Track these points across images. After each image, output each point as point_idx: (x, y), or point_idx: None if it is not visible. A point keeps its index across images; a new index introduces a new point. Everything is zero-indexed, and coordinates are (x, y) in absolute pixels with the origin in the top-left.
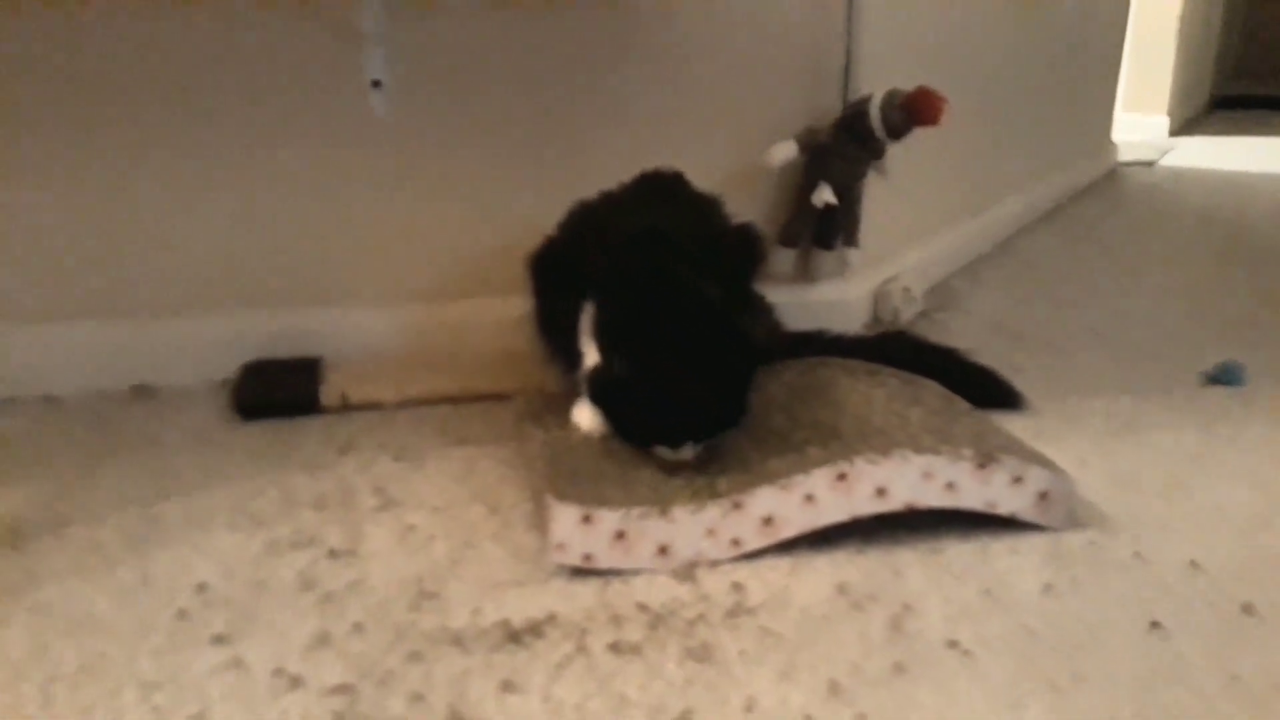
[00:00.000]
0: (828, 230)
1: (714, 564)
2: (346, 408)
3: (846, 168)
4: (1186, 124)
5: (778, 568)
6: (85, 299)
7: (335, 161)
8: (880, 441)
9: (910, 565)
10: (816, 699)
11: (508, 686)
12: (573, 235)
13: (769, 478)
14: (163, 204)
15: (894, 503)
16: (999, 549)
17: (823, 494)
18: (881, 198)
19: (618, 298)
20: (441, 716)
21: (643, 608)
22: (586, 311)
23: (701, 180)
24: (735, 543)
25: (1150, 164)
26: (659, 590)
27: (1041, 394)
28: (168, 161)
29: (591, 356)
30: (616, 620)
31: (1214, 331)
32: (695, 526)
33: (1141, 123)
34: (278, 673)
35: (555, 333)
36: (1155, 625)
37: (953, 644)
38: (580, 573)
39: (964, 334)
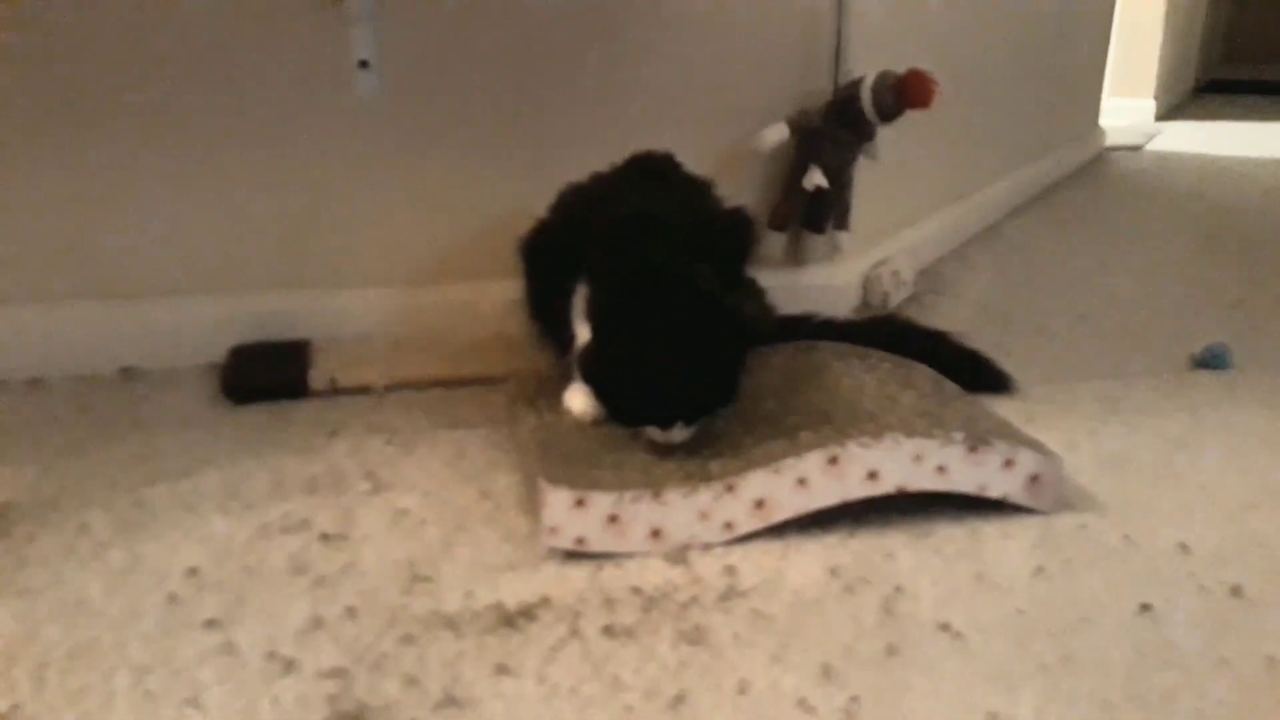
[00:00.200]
0: (818, 213)
1: (706, 547)
2: (336, 391)
3: (837, 151)
4: (1173, 109)
5: (770, 551)
6: (72, 281)
7: (324, 144)
8: (872, 425)
9: (902, 548)
10: (809, 681)
11: (502, 669)
12: (564, 218)
13: (761, 461)
14: (149, 186)
15: (885, 486)
16: (990, 532)
17: (815, 477)
18: (872, 181)
19: (610, 278)
20: (435, 699)
21: (636, 591)
22: (579, 293)
23: (692, 162)
24: (728, 526)
25: (1137, 148)
26: (652, 573)
27: (1031, 377)
28: (155, 143)
29: (583, 337)
30: (610, 603)
31: (1201, 315)
32: (688, 510)
33: (1128, 107)
34: (271, 656)
35: (547, 316)
36: (1145, 608)
37: (944, 626)
38: (573, 556)
39: (953, 317)
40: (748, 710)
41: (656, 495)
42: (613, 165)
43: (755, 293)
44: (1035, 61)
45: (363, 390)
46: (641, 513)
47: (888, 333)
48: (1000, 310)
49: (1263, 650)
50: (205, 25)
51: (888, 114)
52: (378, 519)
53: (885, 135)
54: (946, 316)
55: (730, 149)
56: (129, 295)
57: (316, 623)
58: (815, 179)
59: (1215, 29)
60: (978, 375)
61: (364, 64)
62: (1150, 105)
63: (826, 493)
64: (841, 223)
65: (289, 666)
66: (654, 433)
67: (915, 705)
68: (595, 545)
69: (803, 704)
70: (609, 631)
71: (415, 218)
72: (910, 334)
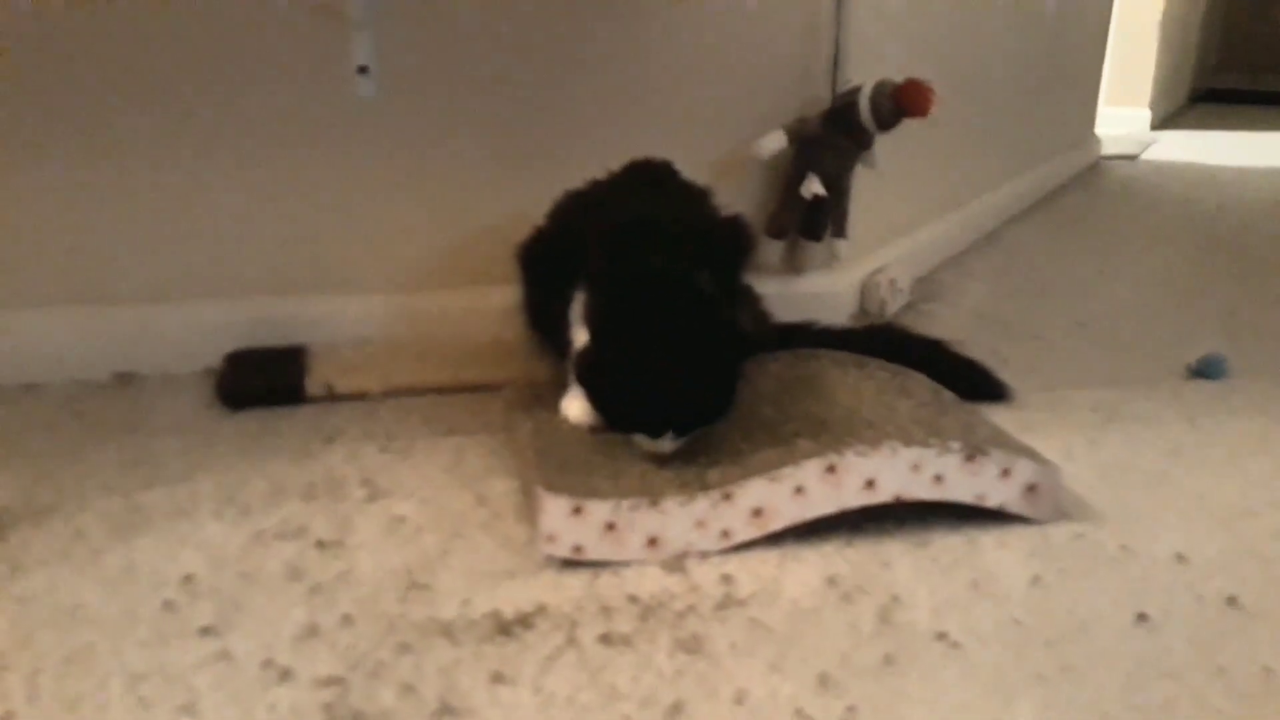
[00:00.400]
0: (816, 221)
1: (704, 555)
2: (332, 397)
3: (835, 159)
4: (1168, 118)
5: (767, 560)
6: (67, 285)
7: (322, 149)
8: (869, 434)
9: (899, 557)
10: (806, 690)
11: (498, 678)
12: (562, 225)
13: (759, 469)
14: (145, 190)
15: (883, 495)
16: (987, 541)
17: (812, 486)
18: (869, 189)
19: (609, 284)
20: (432, 708)
21: (633, 599)
22: (577, 300)
23: (691, 170)
24: (725, 534)
25: (1133, 157)
26: (649, 582)
27: (1028, 386)
28: (150, 148)
29: (580, 342)
30: (606, 611)
31: (1197, 324)
32: (685, 518)
33: (1124, 116)
34: (267, 664)
35: (545, 323)
36: (1142, 617)
37: (941, 635)
38: (570, 564)
39: (950, 326)
40: (745, 719)
41: (654, 503)
42: (610, 172)
43: (752, 300)
44: (1032, 70)
45: (359, 396)
46: (639, 521)
47: (885, 341)
48: (997, 318)
49: (1259, 660)
50: (204, 31)
51: (885, 122)
52: (374, 526)
53: (883, 144)
54: (944, 324)
55: (728, 157)
56: (124, 300)
57: (312, 630)
58: (813, 187)
59: (1210, 39)
60: (975, 384)
61: (363, 69)
62: (1146, 114)
63: (824, 501)
64: (839, 230)
65: (285, 674)
66: (642, 440)
67: (912, 714)
68: (592, 553)
69: (800, 713)
70: (606, 640)
71: (413, 223)
72: (907, 342)
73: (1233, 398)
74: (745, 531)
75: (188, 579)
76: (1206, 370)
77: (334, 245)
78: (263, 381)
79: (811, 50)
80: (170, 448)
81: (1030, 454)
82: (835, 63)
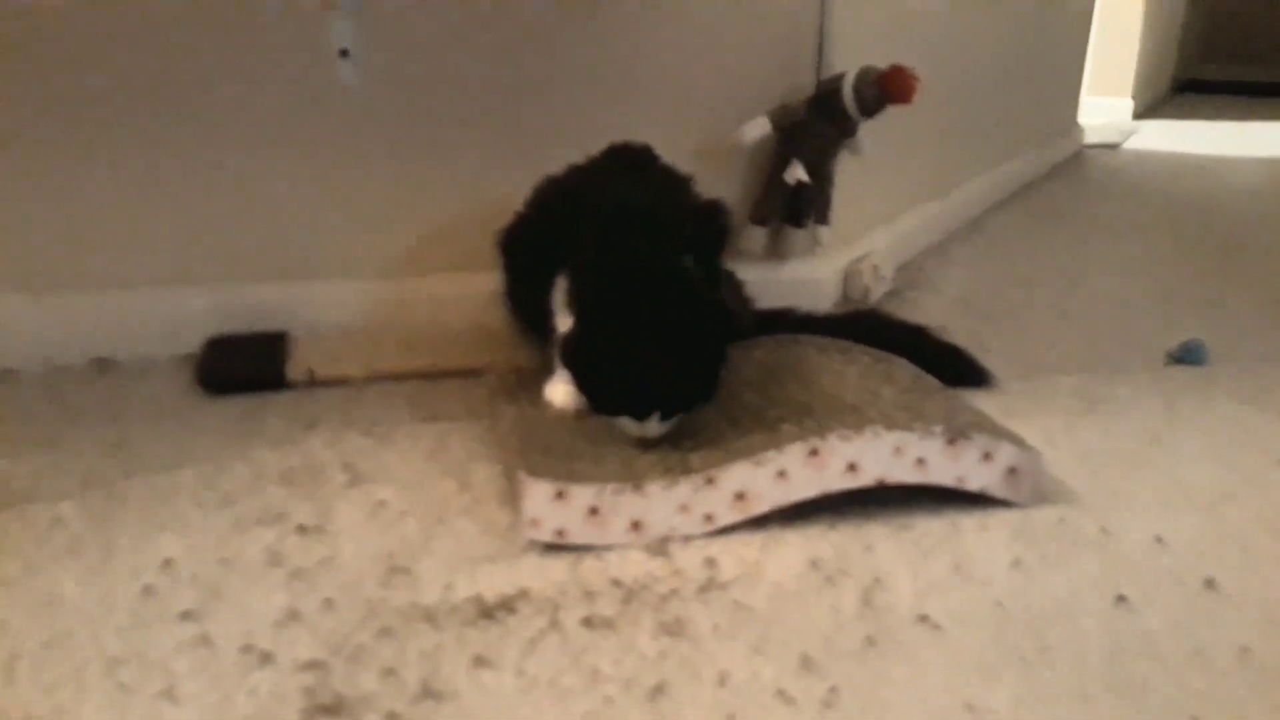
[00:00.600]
0: (799, 208)
1: (687, 539)
2: (314, 383)
3: (819, 145)
4: (1150, 107)
5: (750, 543)
6: (44, 271)
7: (303, 134)
8: (852, 418)
9: (881, 541)
10: (788, 673)
11: (480, 662)
12: (544, 210)
13: (742, 453)
14: (125, 176)
15: (865, 478)
16: (968, 525)
17: (795, 470)
18: (852, 176)
19: (593, 270)
20: (414, 692)
21: (616, 583)
22: (559, 285)
23: (674, 156)
24: (708, 518)
25: (1115, 146)
26: (632, 565)
27: (1009, 372)
28: (130, 132)
29: (564, 327)
30: (589, 595)
31: (1177, 311)
32: (668, 502)
33: (1106, 106)
34: (247, 649)
35: (527, 308)
36: (1121, 599)
37: (923, 618)
38: (553, 548)
39: (933, 313)
40: (727, 701)
41: (637, 487)
42: (590, 157)
43: (734, 286)
44: (1015, 59)
45: (341, 382)
46: (622, 505)
47: (868, 327)
48: (979, 305)
49: (1237, 640)
50: (183, 16)
51: (869, 109)
52: (356, 511)
53: (866, 131)
54: (926, 311)
55: (712, 143)
56: (103, 285)
57: (293, 615)
58: (796, 173)
59: (1192, 30)
60: (957, 369)
61: (345, 53)
62: (1128, 104)
63: (807, 485)
64: (822, 217)
65: (265, 659)
66: (628, 424)
67: (894, 696)
68: (575, 537)
69: (782, 695)
70: (588, 623)
71: (395, 209)
72: (889, 328)
73: (1212, 384)
74: (728, 515)
75: (167, 564)
76: (1186, 357)
77: (316, 231)
78: (243, 367)
79: (796, 37)
80: (149, 434)
81: (1012, 438)
82: (820, 49)
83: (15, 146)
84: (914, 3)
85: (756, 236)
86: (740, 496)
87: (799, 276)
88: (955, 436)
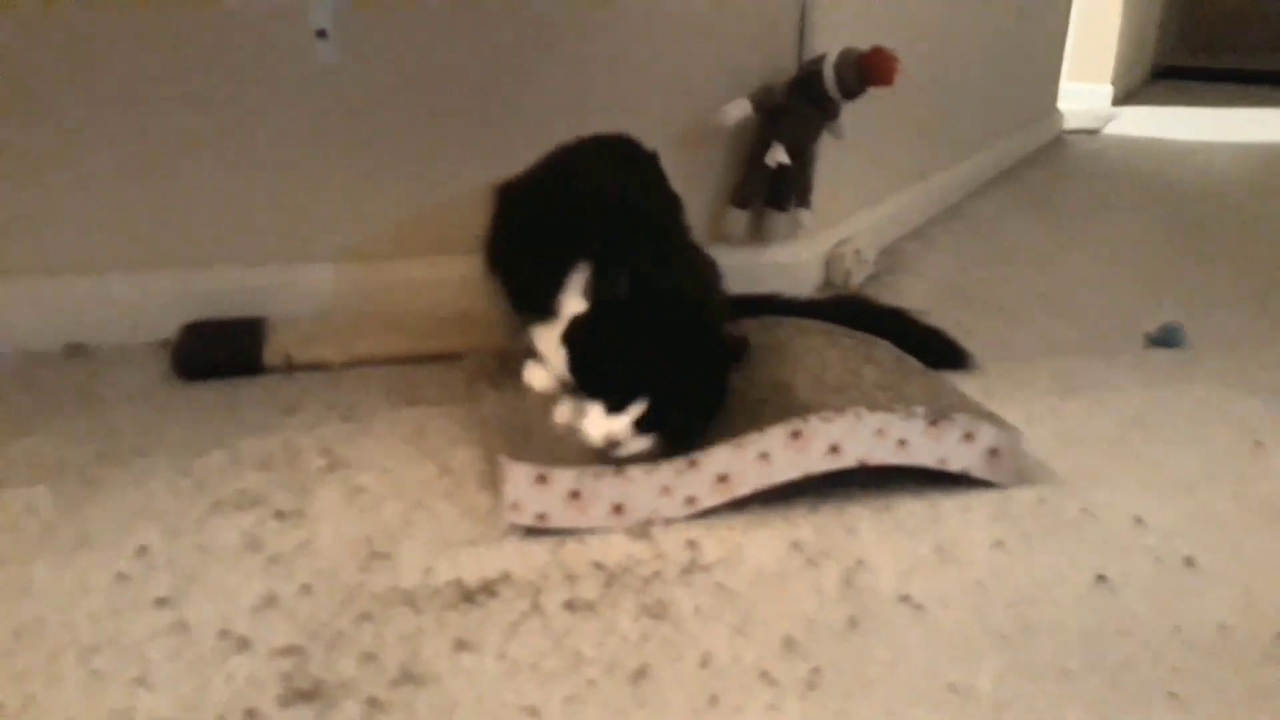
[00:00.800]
0: (781, 191)
1: (669, 522)
2: (291, 368)
3: (801, 128)
4: (1129, 94)
5: (732, 525)
6: (18, 255)
7: (281, 116)
8: (835, 399)
9: (863, 522)
10: (771, 654)
11: (461, 645)
12: (556, 181)
13: (724, 436)
14: (99, 159)
15: (847, 460)
16: (950, 506)
17: (777, 452)
18: (834, 160)
19: (629, 271)
20: (393, 676)
21: (598, 566)
22: (578, 272)
23: (655, 137)
24: (690, 500)
25: (1094, 132)
26: (614, 548)
27: (990, 355)
28: (104, 115)
29: (571, 310)
30: (571, 578)
31: (1156, 295)
32: (650, 485)
33: (1086, 91)
34: (223, 635)
35: (509, 267)
36: (1101, 579)
37: (905, 599)
38: (535, 532)
39: (915, 296)
40: (710, 683)
41: (618, 471)
42: (599, 138)
43: (709, 269)
44: (996, 45)
45: (320, 367)
46: (603, 488)
47: (850, 311)
48: (961, 289)
49: (1215, 618)
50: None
51: (850, 91)
52: (334, 496)
53: (848, 115)
54: (908, 295)
55: (694, 124)
56: (78, 270)
57: (271, 600)
58: (778, 156)
59: (1171, 17)
60: (938, 352)
61: (322, 34)
62: (1108, 90)
63: (789, 467)
64: (803, 200)
65: (242, 644)
66: (597, 417)
67: (876, 676)
68: (557, 521)
69: (765, 676)
70: (570, 606)
71: (374, 192)
72: (871, 312)
73: (1190, 366)
74: (710, 498)
75: (142, 550)
76: (1165, 339)
77: (294, 215)
78: (220, 352)
79: (778, 19)
80: (124, 419)
81: (993, 419)
82: (801, 31)
83: None
84: None
85: (738, 220)
86: (722, 479)
87: (781, 260)
88: (937, 417)
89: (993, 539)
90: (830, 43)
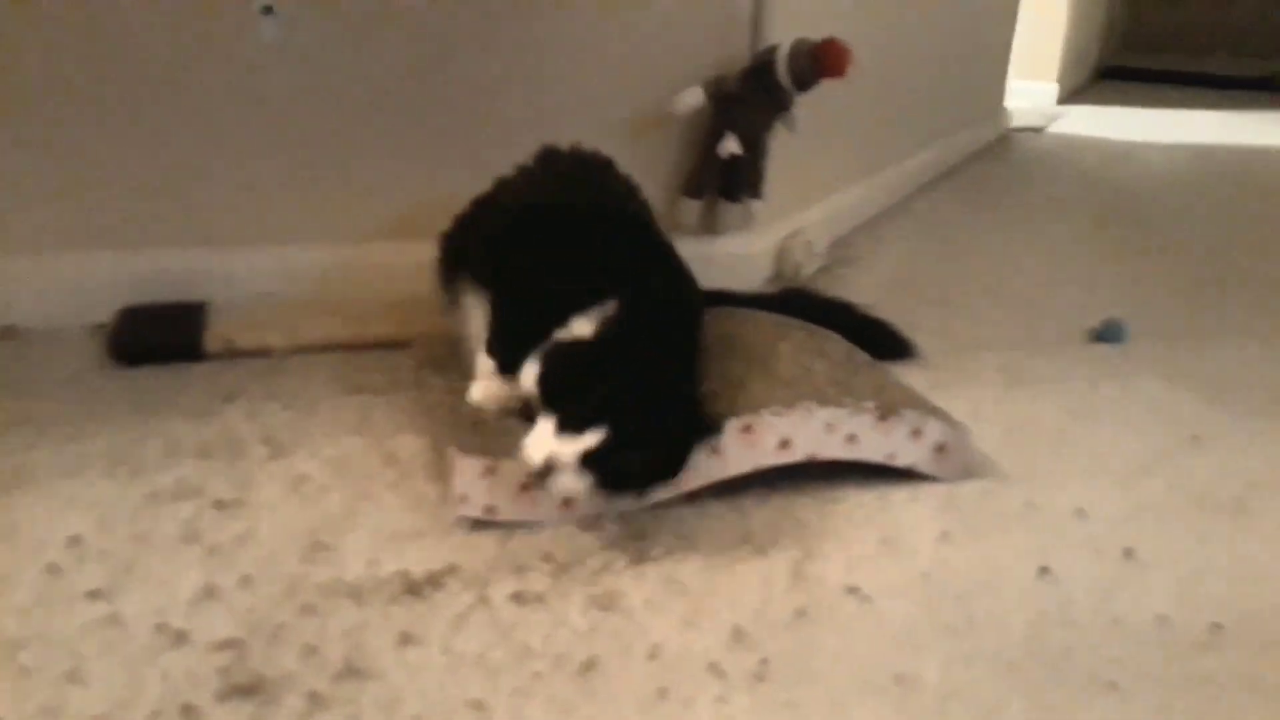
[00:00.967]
0: (733, 182)
1: (620, 514)
2: (233, 354)
3: (753, 118)
4: (1074, 93)
5: (683, 518)
6: None
7: (224, 94)
8: (786, 394)
9: (811, 514)
10: (720, 645)
11: (406, 638)
12: (553, 185)
13: None
14: (34, 135)
15: (797, 454)
16: (898, 498)
17: (729, 445)
18: (785, 153)
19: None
20: (336, 670)
21: (547, 557)
22: (599, 308)
23: (607, 127)
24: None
25: (1040, 130)
26: (563, 540)
27: (937, 348)
28: (40, 91)
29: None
30: (520, 570)
31: (1099, 291)
32: None
33: (1032, 90)
34: (159, 628)
35: (518, 289)
36: (1044, 570)
37: (852, 590)
38: (483, 524)
39: (864, 289)
40: (658, 674)
41: None
42: (598, 153)
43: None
44: (944, 42)
45: (262, 353)
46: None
47: (798, 305)
48: (909, 283)
49: (1153, 609)
50: None
51: (803, 82)
52: (276, 486)
53: (799, 108)
54: (858, 289)
55: (647, 113)
56: (9, 249)
57: (209, 592)
58: (730, 146)
59: (1115, 17)
60: (883, 343)
61: (268, 9)
62: (1053, 89)
63: (740, 461)
64: (755, 191)
65: (179, 638)
66: (544, 434)
67: (824, 667)
68: (506, 514)
69: (714, 667)
70: (518, 599)
71: (319, 175)
72: (818, 305)
73: (1132, 361)
74: (662, 490)
75: (74, 541)
76: (1108, 335)
77: (236, 196)
78: (158, 336)
79: (732, 7)
80: (57, 405)
81: (941, 415)
82: (755, 20)
83: None
84: None
85: (690, 210)
86: None
87: (732, 251)
88: (886, 413)
89: (939, 531)
90: (784, 33)
